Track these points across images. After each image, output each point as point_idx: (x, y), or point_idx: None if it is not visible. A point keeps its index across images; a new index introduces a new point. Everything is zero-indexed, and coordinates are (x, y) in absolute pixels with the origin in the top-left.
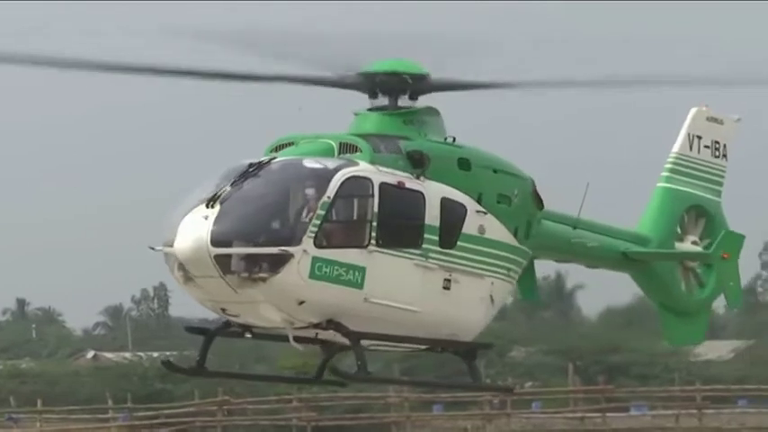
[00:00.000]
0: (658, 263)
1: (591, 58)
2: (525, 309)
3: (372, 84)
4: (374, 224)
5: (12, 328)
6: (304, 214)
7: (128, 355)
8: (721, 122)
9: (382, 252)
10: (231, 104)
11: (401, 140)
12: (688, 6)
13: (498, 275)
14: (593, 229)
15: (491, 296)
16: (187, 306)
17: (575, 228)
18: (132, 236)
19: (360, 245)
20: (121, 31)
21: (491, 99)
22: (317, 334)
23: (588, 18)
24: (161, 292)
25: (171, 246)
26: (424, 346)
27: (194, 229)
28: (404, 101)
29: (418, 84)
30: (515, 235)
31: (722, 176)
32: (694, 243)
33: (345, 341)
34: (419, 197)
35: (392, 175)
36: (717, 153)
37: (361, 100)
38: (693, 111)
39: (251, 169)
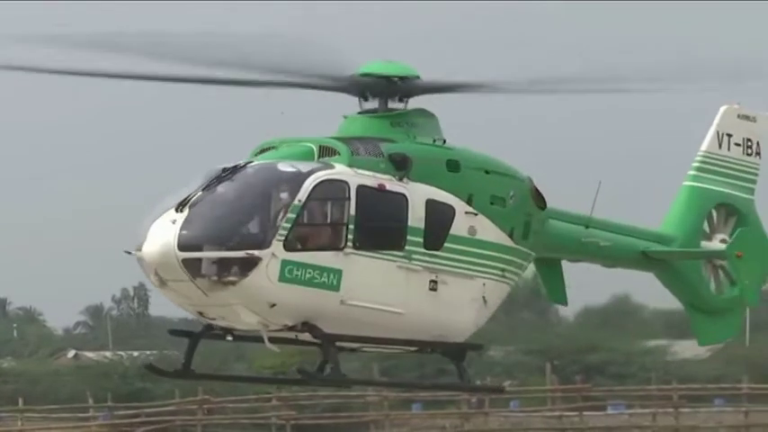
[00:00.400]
0: (682, 262)
1: (585, 59)
2: (503, 308)
3: (363, 86)
4: (351, 227)
5: None
6: (274, 218)
7: (108, 354)
8: (754, 120)
9: (360, 254)
10: (218, 108)
11: (384, 143)
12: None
13: (491, 276)
14: (608, 228)
15: (483, 297)
16: (167, 306)
17: (587, 227)
18: (112, 237)
19: (335, 247)
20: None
21: (498, 99)
22: (296, 335)
23: (586, 19)
24: (141, 292)
25: (141, 250)
26: (412, 348)
27: (162, 233)
28: (395, 103)
29: (408, 86)
30: (511, 236)
31: (754, 174)
32: (723, 241)
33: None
34: (401, 199)
35: (371, 178)
36: (749, 151)
37: (355, 102)
38: (723, 108)
39: (224, 173)
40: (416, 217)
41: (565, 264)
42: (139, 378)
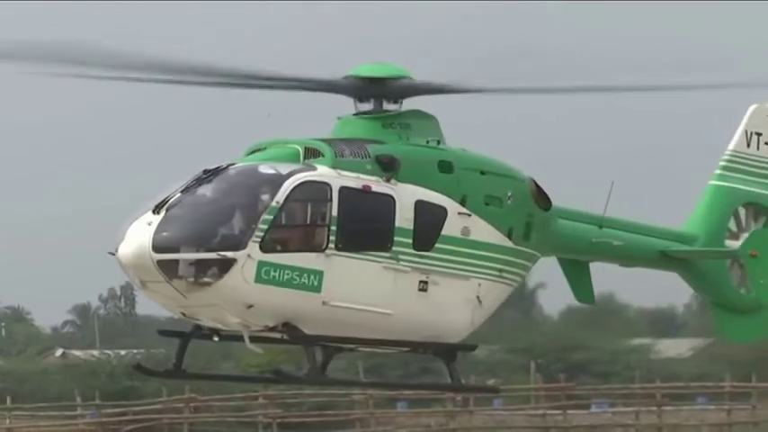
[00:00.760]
0: (705, 261)
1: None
2: None
3: (357, 88)
4: (333, 228)
5: None
6: (250, 219)
7: (96, 352)
8: None
9: (343, 255)
10: (215, 107)
11: (371, 144)
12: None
13: (487, 277)
14: (624, 228)
15: (478, 297)
16: (153, 305)
17: (600, 227)
18: (100, 237)
19: (316, 249)
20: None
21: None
22: (282, 336)
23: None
24: (128, 292)
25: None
26: (405, 348)
27: (137, 235)
28: (389, 105)
29: (402, 87)
30: (510, 236)
31: None
32: None
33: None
34: (388, 200)
35: (356, 179)
36: None
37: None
38: (753, 108)
39: (205, 175)
40: (405, 218)
41: (550, 263)
42: (127, 377)
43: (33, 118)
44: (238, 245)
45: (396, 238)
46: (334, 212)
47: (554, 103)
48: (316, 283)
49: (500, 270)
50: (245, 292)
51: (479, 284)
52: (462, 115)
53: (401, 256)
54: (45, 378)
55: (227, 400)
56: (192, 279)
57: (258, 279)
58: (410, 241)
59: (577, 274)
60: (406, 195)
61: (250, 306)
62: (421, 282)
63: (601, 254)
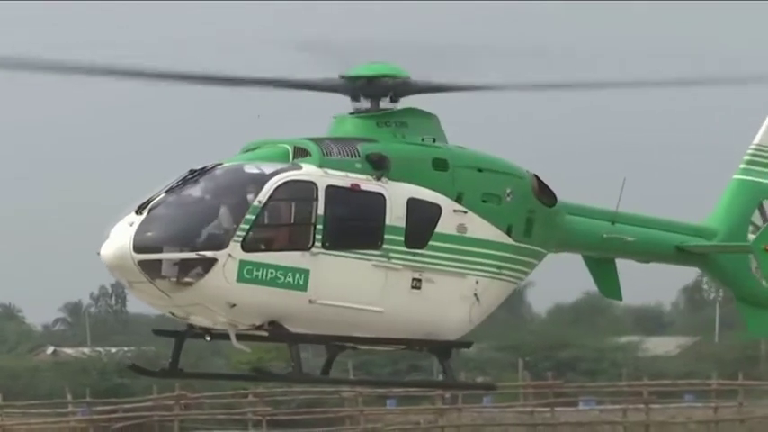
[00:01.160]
0: (725, 255)
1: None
2: None
3: (354, 87)
4: (319, 226)
5: None
6: (232, 219)
7: (87, 350)
8: None
9: (330, 254)
10: (209, 108)
11: (362, 143)
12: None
13: (484, 274)
14: (639, 223)
15: (476, 295)
16: (144, 303)
17: (613, 223)
18: (91, 234)
19: (301, 247)
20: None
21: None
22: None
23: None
24: (118, 290)
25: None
26: (401, 346)
27: (119, 236)
28: (386, 103)
29: (399, 86)
30: (509, 233)
31: None
32: None
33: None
34: (378, 199)
35: (343, 178)
36: None
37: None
38: None
39: (190, 176)
40: (396, 216)
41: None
42: (117, 374)
43: (23, 117)
44: (220, 244)
45: (386, 236)
46: (321, 211)
47: (558, 100)
48: (301, 282)
49: (499, 267)
50: (227, 292)
51: (476, 281)
52: (466, 113)
53: (392, 254)
54: (36, 375)
55: (218, 397)
56: (174, 279)
57: (240, 278)
58: (402, 239)
59: (602, 271)
60: (397, 193)
61: (233, 305)
62: (414, 279)
63: (613, 249)
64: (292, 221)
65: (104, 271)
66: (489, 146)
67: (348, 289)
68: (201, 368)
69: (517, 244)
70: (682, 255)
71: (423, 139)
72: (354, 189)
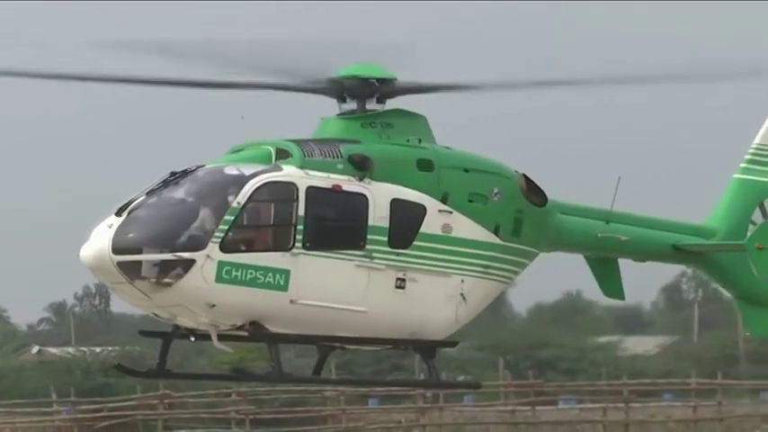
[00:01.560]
0: (722, 254)
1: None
2: None
3: (340, 88)
4: (300, 227)
5: None
6: (211, 220)
7: (71, 350)
8: None
9: (312, 254)
10: (191, 108)
11: (345, 144)
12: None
13: (471, 273)
14: (636, 223)
15: (462, 294)
16: (127, 304)
17: (608, 222)
18: (75, 234)
19: (281, 248)
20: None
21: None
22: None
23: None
24: (102, 290)
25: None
26: (387, 346)
27: (99, 237)
28: (373, 105)
29: (385, 87)
30: (497, 233)
31: None
32: None
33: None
34: (360, 199)
35: (325, 179)
36: None
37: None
38: None
39: (171, 177)
40: (379, 216)
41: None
42: (102, 373)
43: (8, 114)
44: (198, 245)
45: (369, 237)
46: (301, 212)
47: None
48: (282, 282)
49: (486, 267)
50: (206, 292)
51: (462, 281)
52: (456, 114)
53: (375, 254)
54: (21, 375)
55: (201, 396)
56: (153, 280)
57: (219, 279)
58: (385, 239)
59: (604, 271)
60: (380, 194)
61: (212, 305)
62: (398, 279)
63: (608, 249)
64: (272, 222)
65: (88, 272)
66: (482, 146)
67: (330, 289)
68: (186, 368)
69: (505, 244)
70: (679, 254)
71: (408, 140)
72: (336, 190)
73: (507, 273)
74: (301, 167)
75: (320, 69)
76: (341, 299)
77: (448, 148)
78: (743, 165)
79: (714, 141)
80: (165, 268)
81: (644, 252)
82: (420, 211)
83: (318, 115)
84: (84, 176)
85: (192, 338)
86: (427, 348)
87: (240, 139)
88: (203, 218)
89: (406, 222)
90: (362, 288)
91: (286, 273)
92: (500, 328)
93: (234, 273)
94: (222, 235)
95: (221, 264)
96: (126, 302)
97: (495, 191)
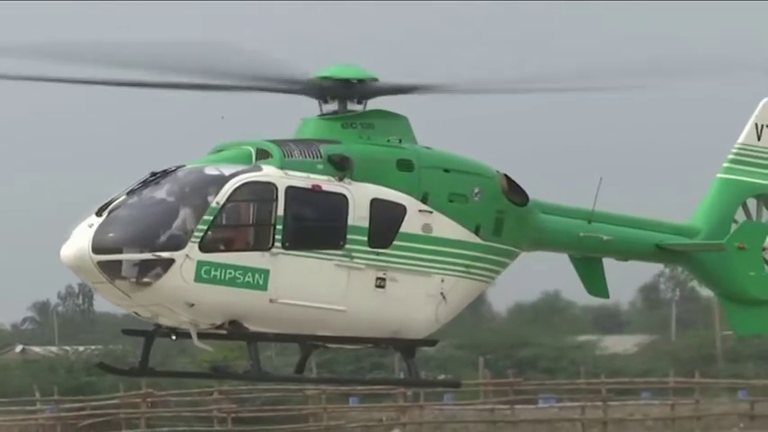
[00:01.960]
0: (705, 253)
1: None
2: None
3: (321, 89)
4: (279, 227)
5: None
6: (190, 220)
7: (54, 349)
8: None
9: (291, 254)
10: (178, 110)
11: (324, 144)
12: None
13: (451, 273)
14: (619, 222)
15: (442, 293)
16: (109, 303)
17: (590, 222)
18: (59, 234)
19: (261, 248)
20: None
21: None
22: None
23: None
24: (85, 289)
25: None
26: (367, 345)
27: (79, 237)
28: (354, 105)
29: (366, 88)
30: (477, 232)
31: None
32: None
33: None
34: (340, 199)
35: (304, 179)
36: None
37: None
38: (764, 101)
39: (151, 178)
40: (359, 216)
41: None
42: (85, 372)
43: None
44: (177, 245)
45: (349, 236)
46: (280, 212)
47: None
48: (261, 282)
49: (466, 266)
50: (185, 292)
51: (442, 280)
52: (438, 114)
53: (355, 254)
54: (5, 374)
55: (184, 395)
56: (133, 279)
57: (198, 278)
58: (365, 239)
59: (588, 271)
60: (360, 194)
61: (192, 305)
62: (378, 278)
63: (590, 248)
64: (251, 222)
65: (70, 271)
66: (463, 146)
67: (310, 288)
68: (168, 366)
69: (486, 243)
70: (662, 253)
71: (389, 140)
72: (315, 190)
73: (488, 272)
74: (281, 168)
75: (301, 70)
76: (321, 298)
77: (428, 148)
78: (726, 164)
79: (697, 141)
80: (144, 268)
81: (627, 251)
82: (400, 210)
83: (299, 116)
84: (69, 178)
85: (174, 337)
86: (407, 347)
87: (221, 140)
88: (183, 218)
89: (386, 222)
90: (342, 287)
91: (265, 272)
92: (480, 327)
93: (213, 272)
94: (201, 235)
95: (200, 263)
96: (107, 301)
97: (476, 191)
